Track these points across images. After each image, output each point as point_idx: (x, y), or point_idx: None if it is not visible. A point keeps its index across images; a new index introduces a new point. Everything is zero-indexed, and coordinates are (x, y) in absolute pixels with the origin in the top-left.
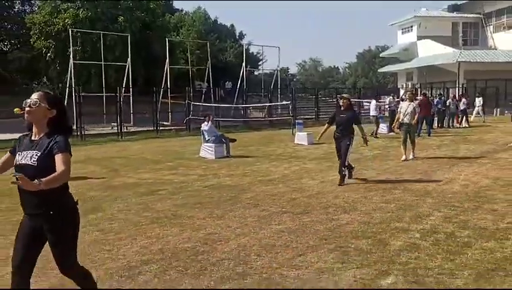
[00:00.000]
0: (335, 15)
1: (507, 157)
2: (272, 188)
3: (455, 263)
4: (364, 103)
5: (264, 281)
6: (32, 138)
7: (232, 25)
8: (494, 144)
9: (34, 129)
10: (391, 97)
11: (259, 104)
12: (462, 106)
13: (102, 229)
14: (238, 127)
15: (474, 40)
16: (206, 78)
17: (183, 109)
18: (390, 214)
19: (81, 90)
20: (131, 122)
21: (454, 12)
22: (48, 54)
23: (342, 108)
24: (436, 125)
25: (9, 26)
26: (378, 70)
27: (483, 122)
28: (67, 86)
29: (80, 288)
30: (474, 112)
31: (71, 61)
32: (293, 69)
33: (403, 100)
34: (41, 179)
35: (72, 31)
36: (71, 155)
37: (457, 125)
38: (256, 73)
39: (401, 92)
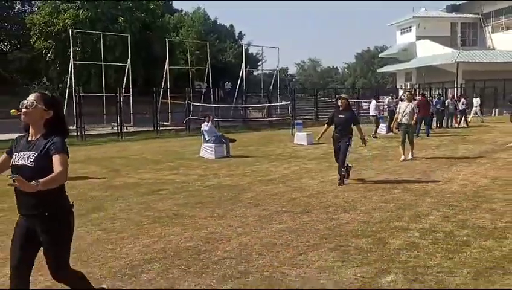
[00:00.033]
0: (334, 15)
1: (506, 157)
2: (272, 188)
3: (454, 261)
4: (364, 103)
5: (266, 280)
6: (29, 138)
7: (232, 26)
8: (492, 144)
9: (31, 130)
10: (390, 97)
11: (258, 105)
12: (461, 106)
13: (105, 229)
14: (238, 127)
15: (472, 41)
16: (205, 78)
17: (183, 109)
18: (390, 213)
19: (81, 90)
20: (131, 123)
21: (453, 13)
22: (48, 55)
23: (341, 108)
24: (435, 125)
25: (9, 26)
26: (377, 71)
27: (482, 122)
28: (68, 86)
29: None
30: (472, 112)
31: (71, 61)
32: (292, 70)
33: (402, 100)
34: (39, 180)
35: (72, 31)
36: (68, 156)
37: (456, 125)
38: (255, 73)
39: (400, 92)
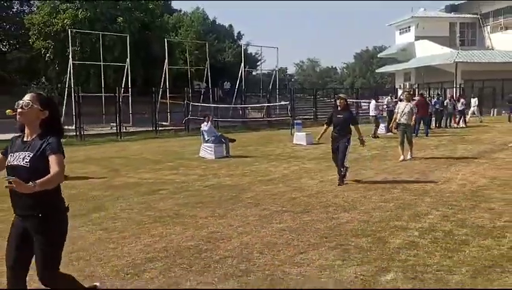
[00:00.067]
0: (333, 15)
1: (504, 157)
2: (272, 188)
3: (453, 260)
4: (363, 104)
5: (267, 278)
6: (25, 139)
7: (231, 25)
8: (491, 144)
9: (26, 130)
10: (389, 97)
11: (257, 105)
12: (460, 107)
13: (106, 228)
14: (237, 127)
15: (471, 41)
16: (204, 78)
17: (182, 109)
18: (389, 213)
19: (80, 90)
20: (130, 123)
21: (452, 13)
22: (47, 55)
23: (339, 108)
24: (433, 125)
25: (8, 26)
26: (376, 71)
27: (480, 122)
28: (67, 86)
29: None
30: (470, 112)
31: (70, 61)
32: (291, 70)
33: (401, 100)
34: (36, 181)
35: (71, 31)
36: (64, 156)
37: (455, 125)
38: (254, 73)
39: (399, 92)
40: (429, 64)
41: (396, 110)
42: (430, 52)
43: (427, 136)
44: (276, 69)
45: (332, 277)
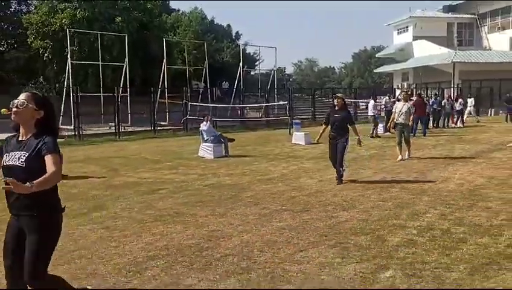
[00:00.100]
0: (331, 15)
1: (501, 157)
2: (272, 187)
3: (451, 257)
4: (361, 103)
5: (268, 276)
6: (20, 138)
7: (229, 25)
8: (488, 143)
9: (21, 130)
10: (387, 97)
11: (256, 104)
12: (458, 106)
13: (107, 227)
14: (235, 127)
15: (469, 41)
16: (203, 78)
17: (180, 109)
18: (388, 211)
19: (79, 90)
20: (129, 122)
21: (449, 13)
22: (45, 54)
23: (337, 108)
24: (431, 125)
25: (5, 26)
26: (374, 71)
27: (477, 122)
28: (65, 86)
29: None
30: (466, 112)
31: (69, 61)
32: (289, 69)
33: (398, 100)
34: (33, 182)
35: (69, 31)
36: (61, 155)
37: (453, 125)
38: (252, 73)
39: (397, 92)
40: (427, 64)
41: (394, 110)
42: (428, 52)
43: (424, 135)
44: (275, 69)
45: (332, 274)
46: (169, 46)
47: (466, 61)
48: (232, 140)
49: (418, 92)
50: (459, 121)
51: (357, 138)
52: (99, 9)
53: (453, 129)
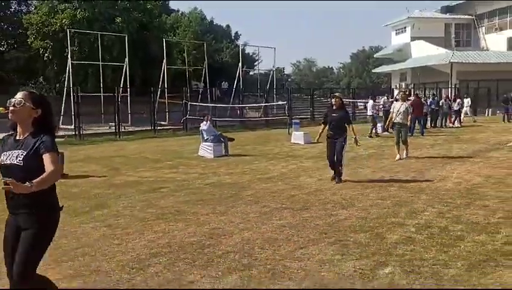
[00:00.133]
0: (329, 15)
1: (498, 156)
2: (272, 186)
3: (449, 254)
4: (359, 103)
5: (269, 272)
6: (17, 137)
7: (228, 26)
8: (486, 143)
9: (19, 129)
10: (385, 97)
11: (255, 104)
12: (456, 106)
13: (110, 225)
14: (235, 126)
15: (466, 41)
16: (202, 78)
17: (180, 108)
18: (387, 209)
19: (79, 90)
20: (129, 122)
21: (447, 14)
22: (46, 54)
23: (334, 107)
24: (429, 125)
25: (5, 26)
26: (372, 71)
27: (474, 121)
28: (65, 86)
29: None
30: (463, 112)
31: (69, 61)
32: (288, 70)
33: (397, 100)
34: (32, 181)
35: (69, 31)
36: (58, 154)
37: (450, 125)
38: (251, 73)
39: (395, 92)
40: (425, 65)
41: (391, 110)
42: (425, 53)
43: (422, 135)
44: (274, 69)
45: (332, 270)
46: (169, 47)
47: (464, 61)
48: (231, 139)
49: (415, 92)
50: (456, 121)
51: (354, 137)
52: (99, 10)
53: (450, 129)
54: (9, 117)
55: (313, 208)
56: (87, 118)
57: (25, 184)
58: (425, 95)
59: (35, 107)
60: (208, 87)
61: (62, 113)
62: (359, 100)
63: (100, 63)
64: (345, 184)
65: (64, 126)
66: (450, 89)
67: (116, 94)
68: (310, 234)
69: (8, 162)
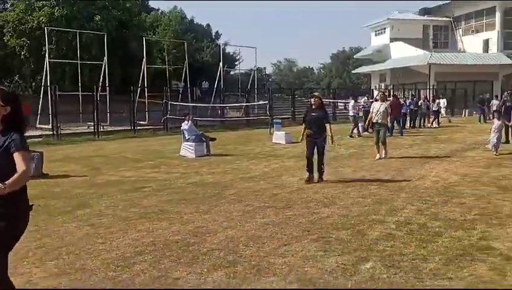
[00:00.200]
0: (309, 16)
1: (474, 156)
2: (254, 185)
3: (427, 249)
4: (339, 104)
5: (254, 268)
6: None
7: (208, 25)
8: (462, 143)
9: None
10: (366, 98)
11: (236, 104)
12: (435, 107)
13: (93, 224)
14: (216, 126)
15: (444, 43)
16: (183, 77)
17: (160, 108)
18: (367, 207)
19: (57, 89)
20: (108, 122)
21: (425, 16)
22: (22, 52)
23: (314, 107)
24: (408, 125)
25: None
26: (352, 71)
27: (449, 121)
28: (42, 84)
29: None
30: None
31: (46, 59)
32: (268, 69)
33: (376, 101)
34: (5, 183)
35: (47, 29)
36: (29, 152)
37: (429, 125)
38: (232, 73)
39: (375, 92)
40: (404, 66)
41: (371, 110)
42: (404, 54)
43: (401, 135)
44: (255, 68)
45: (315, 266)
46: (149, 45)
47: (441, 63)
48: (213, 139)
49: (393, 93)
50: (434, 122)
51: (330, 135)
52: (77, 8)
53: (429, 129)
54: None
55: (296, 207)
56: (65, 118)
57: None
58: (404, 96)
59: (4, 104)
60: (188, 86)
61: (39, 112)
62: (339, 100)
63: (78, 61)
64: (326, 183)
65: (41, 126)
66: (428, 89)
67: (94, 93)
68: (293, 232)
69: None
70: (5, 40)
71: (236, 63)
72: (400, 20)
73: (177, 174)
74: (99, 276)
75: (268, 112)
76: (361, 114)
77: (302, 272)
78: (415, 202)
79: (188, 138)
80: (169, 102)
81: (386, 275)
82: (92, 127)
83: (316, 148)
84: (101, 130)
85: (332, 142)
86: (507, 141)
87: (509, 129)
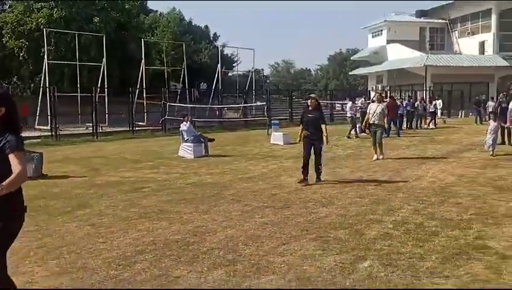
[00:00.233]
0: (307, 17)
1: (470, 157)
2: (253, 185)
3: (424, 248)
4: (337, 105)
5: (253, 267)
6: None
7: (207, 26)
8: (459, 144)
9: None
10: (363, 99)
11: (234, 105)
12: (431, 108)
13: (93, 224)
14: (214, 127)
15: (440, 45)
16: (181, 78)
17: (158, 109)
18: (365, 207)
19: (56, 90)
20: (106, 123)
21: (422, 18)
22: (21, 54)
23: (310, 108)
24: (405, 126)
25: None
26: (349, 73)
27: (444, 122)
28: (41, 85)
29: None
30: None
31: (45, 61)
32: (266, 71)
33: (373, 102)
34: (2, 184)
35: (45, 30)
36: (25, 153)
37: (425, 126)
38: (230, 74)
39: (372, 94)
40: (400, 67)
41: (368, 111)
42: (401, 56)
43: (398, 136)
44: (252, 70)
45: (313, 265)
46: (148, 47)
47: (437, 64)
48: (212, 140)
49: (390, 95)
50: (431, 123)
51: (325, 136)
52: (76, 9)
53: (425, 130)
54: None
55: (294, 206)
56: (64, 119)
57: None
58: (401, 97)
59: None
60: (186, 87)
61: (38, 114)
62: (336, 102)
63: (77, 63)
64: (324, 183)
65: (40, 127)
66: (424, 91)
67: (93, 94)
68: (292, 231)
69: None
70: (4, 42)
71: (234, 64)
72: (397, 22)
73: (176, 175)
74: (100, 275)
75: (266, 113)
76: (358, 115)
77: (301, 271)
78: (412, 202)
79: (187, 139)
80: (168, 103)
81: (383, 274)
82: (91, 128)
83: (313, 149)
84: (100, 131)
85: (327, 142)
86: (503, 142)
87: (505, 130)
